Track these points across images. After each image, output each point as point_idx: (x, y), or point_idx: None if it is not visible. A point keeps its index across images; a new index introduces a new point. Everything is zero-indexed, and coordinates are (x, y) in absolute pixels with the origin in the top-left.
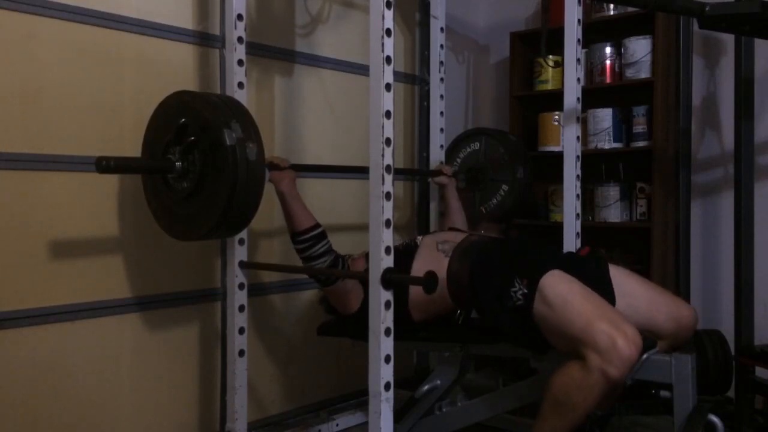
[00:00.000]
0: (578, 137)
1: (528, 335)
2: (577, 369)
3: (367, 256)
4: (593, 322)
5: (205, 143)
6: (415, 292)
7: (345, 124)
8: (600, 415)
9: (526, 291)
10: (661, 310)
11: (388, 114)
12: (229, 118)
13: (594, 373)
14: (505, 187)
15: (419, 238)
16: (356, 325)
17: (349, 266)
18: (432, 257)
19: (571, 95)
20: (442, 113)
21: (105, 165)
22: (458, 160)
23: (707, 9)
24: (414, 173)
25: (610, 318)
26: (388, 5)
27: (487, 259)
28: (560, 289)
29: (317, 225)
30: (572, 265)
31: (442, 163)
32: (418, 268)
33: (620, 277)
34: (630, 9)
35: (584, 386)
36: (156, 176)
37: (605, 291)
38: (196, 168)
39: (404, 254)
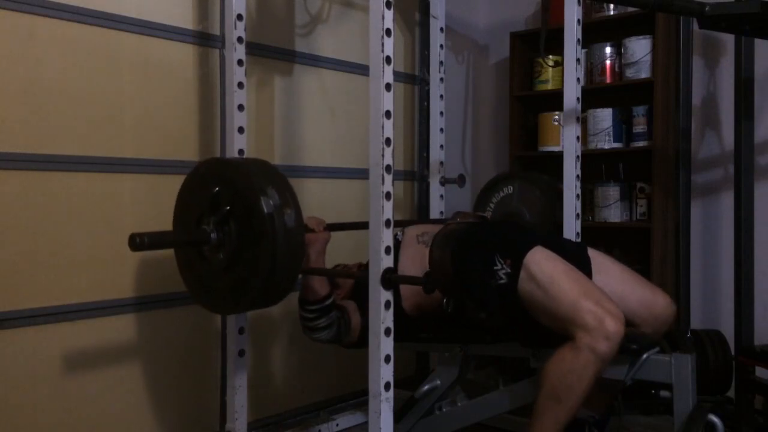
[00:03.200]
0: (578, 137)
1: (513, 314)
2: (567, 351)
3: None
4: (579, 300)
5: (240, 212)
6: (408, 287)
7: (345, 124)
8: (597, 418)
9: (509, 270)
10: (635, 294)
11: (388, 114)
12: (264, 185)
13: (584, 352)
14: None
15: (399, 233)
16: (356, 346)
17: (349, 317)
18: (415, 251)
19: (571, 95)
20: (442, 113)
21: (139, 243)
22: (491, 206)
23: (707, 9)
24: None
25: (595, 296)
26: (388, 5)
27: (467, 243)
28: (545, 266)
29: (329, 295)
30: (552, 243)
31: (485, 213)
32: (405, 263)
33: (599, 257)
34: (630, 9)
35: (577, 366)
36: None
37: (583, 267)
38: (232, 239)
39: None
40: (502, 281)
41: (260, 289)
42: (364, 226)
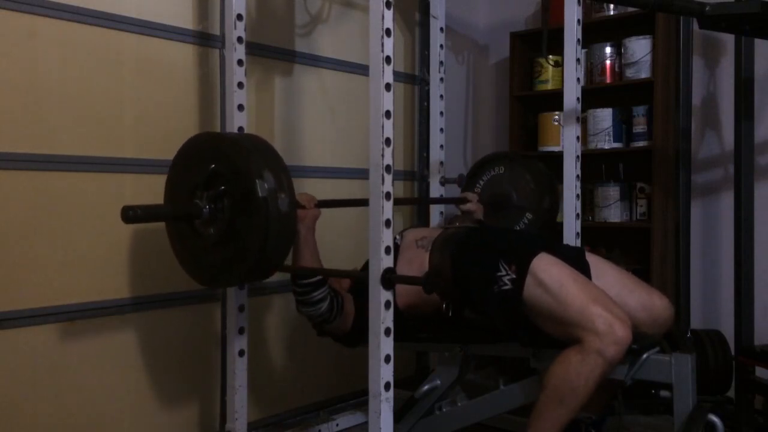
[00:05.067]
0: (578, 137)
1: (515, 319)
2: (573, 354)
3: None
4: (588, 305)
5: (236, 192)
6: (403, 286)
7: (345, 124)
8: (594, 419)
9: (514, 276)
10: (633, 297)
11: (388, 114)
12: (261, 167)
13: (592, 355)
14: (529, 215)
15: (397, 236)
16: (350, 339)
17: (344, 302)
18: (414, 255)
19: (571, 95)
20: (442, 113)
21: (132, 215)
22: (481, 182)
23: (707, 9)
24: (439, 202)
25: (603, 301)
26: (388, 5)
27: (467, 247)
28: (553, 272)
29: None
30: (552, 248)
31: (474, 191)
32: (403, 267)
33: (596, 261)
34: (630, 9)
35: (583, 370)
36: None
37: (583, 272)
38: (225, 215)
39: None
40: (506, 287)
41: (249, 267)
42: (355, 203)
